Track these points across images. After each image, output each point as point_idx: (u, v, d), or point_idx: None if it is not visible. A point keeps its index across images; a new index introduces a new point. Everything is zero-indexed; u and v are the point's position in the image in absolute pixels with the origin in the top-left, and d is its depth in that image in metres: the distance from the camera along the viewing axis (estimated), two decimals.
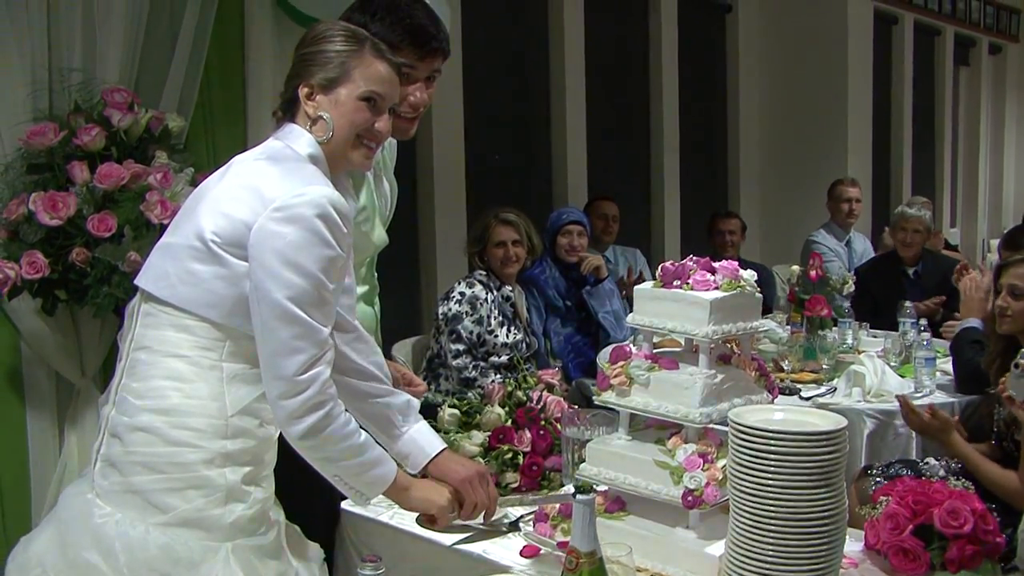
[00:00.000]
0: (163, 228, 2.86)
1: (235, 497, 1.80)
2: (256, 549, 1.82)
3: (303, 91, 1.92)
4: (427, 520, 2.20)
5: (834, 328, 4.29)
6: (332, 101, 1.92)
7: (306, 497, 2.32)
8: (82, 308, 2.97)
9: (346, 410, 1.90)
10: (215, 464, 1.78)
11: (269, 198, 1.76)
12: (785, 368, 4.08)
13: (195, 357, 1.80)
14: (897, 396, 3.41)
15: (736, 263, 2.14)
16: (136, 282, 1.89)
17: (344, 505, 2.48)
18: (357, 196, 2.48)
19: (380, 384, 2.18)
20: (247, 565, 1.78)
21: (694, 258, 2.15)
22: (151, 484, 1.76)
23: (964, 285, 3.91)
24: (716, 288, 2.08)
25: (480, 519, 2.24)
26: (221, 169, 1.95)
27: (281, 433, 1.92)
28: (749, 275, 2.14)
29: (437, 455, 2.20)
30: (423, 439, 2.21)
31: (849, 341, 4.36)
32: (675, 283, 2.11)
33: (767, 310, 4.85)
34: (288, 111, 1.96)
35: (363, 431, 1.93)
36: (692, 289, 2.08)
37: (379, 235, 2.75)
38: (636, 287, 2.21)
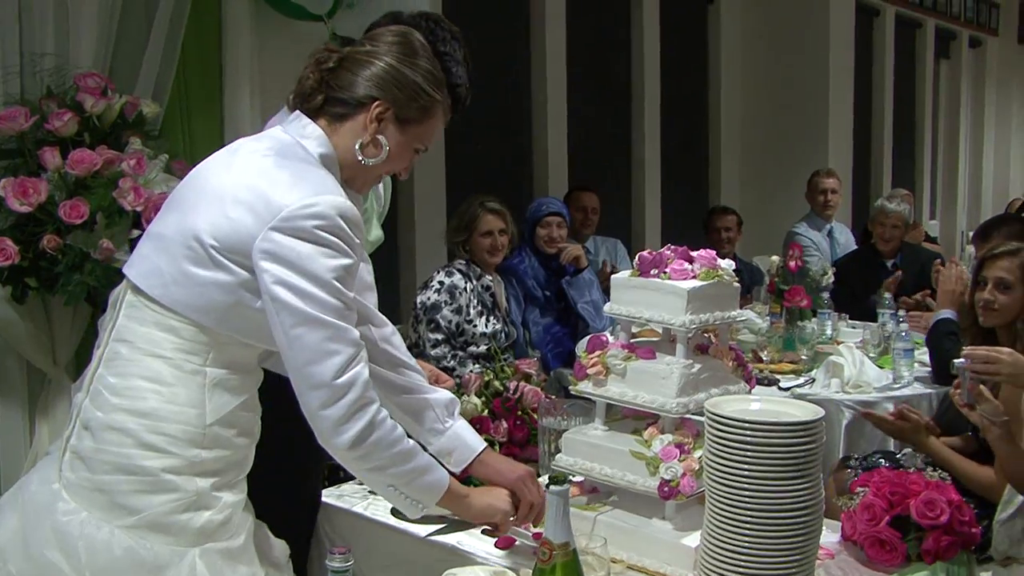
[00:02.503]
0: (136, 215, 2.86)
1: (204, 503, 1.74)
2: (225, 553, 1.76)
3: (378, 109, 1.83)
4: (490, 528, 2.09)
5: (813, 319, 4.29)
6: (396, 137, 1.86)
7: (290, 488, 2.31)
8: (53, 296, 2.92)
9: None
10: (186, 471, 1.72)
11: (277, 206, 1.67)
12: (764, 359, 4.08)
13: (177, 360, 1.73)
14: (862, 413, 3.41)
15: (713, 252, 2.12)
16: (125, 271, 1.82)
17: (324, 497, 2.46)
18: (364, 199, 2.47)
19: (420, 378, 2.16)
20: (215, 570, 1.73)
21: (672, 247, 2.13)
22: (119, 485, 1.70)
23: (943, 277, 3.92)
24: (694, 277, 2.07)
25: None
26: (224, 156, 1.84)
27: (265, 413, 1.88)
28: (727, 264, 2.13)
29: (482, 452, 2.13)
30: (468, 435, 2.15)
31: (828, 332, 4.37)
32: (652, 272, 2.10)
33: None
34: (339, 107, 1.84)
35: (409, 439, 1.85)
36: (670, 278, 2.06)
37: (376, 235, 2.79)
38: (613, 276, 2.19)
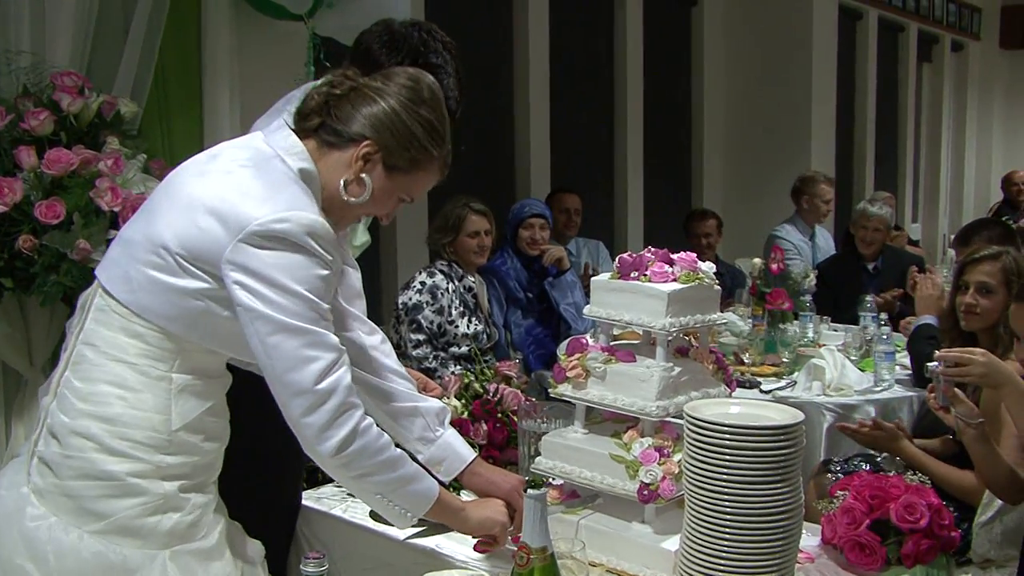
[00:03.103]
0: (114, 215, 2.82)
1: (172, 505, 1.74)
2: (196, 553, 1.76)
3: (367, 149, 1.78)
4: (488, 542, 2.04)
5: (795, 321, 4.29)
6: (381, 181, 1.80)
7: (270, 491, 2.30)
8: (29, 297, 2.89)
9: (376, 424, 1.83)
10: (152, 475, 1.72)
11: (247, 218, 1.65)
12: (746, 361, 4.08)
13: (143, 366, 1.72)
14: (837, 426, 3.40)
15: (693, 255, 2.12)
16: (96, 273, 1.81)
17: (304, 500, 2.44)
18: None
19: (410, 386, 2.16)
20: (186, 571, 1.73)
21: (652, 249, 2.13)
22: (86, 490, 1.69)
23: (920, 284, 3.93)
24: (674, 280, 2.06)
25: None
26: (202, 162, 1.81)
27: (244, 415, 1.87)
28: (707, 267, 2.12)
29: (473, 462, 2.13)
30: (458, 444, 2.14)
31: (810, 335, 4.37)
32: (633, 275, 2.09)
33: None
34: (332, 136, 1.80)
35: (397, 447, 1.84)
36: (650, 281, 2.06)
37: (363, 239, 2.79)
38: (593, 278, 2.18)
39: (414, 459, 2.15)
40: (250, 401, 1.88)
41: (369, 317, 2.27)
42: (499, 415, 2.56)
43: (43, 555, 1.66)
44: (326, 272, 1.71)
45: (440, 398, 2.63)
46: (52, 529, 1.68)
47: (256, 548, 1.98)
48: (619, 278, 2.11)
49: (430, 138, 1.82)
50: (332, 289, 1.76)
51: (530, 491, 1.58)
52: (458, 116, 2.35)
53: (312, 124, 1.82)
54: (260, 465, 2.00)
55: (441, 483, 1.99)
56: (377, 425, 1.79)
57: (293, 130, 1.82)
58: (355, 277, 2.27)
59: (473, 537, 2.06)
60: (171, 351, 1.73)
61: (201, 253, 1.68)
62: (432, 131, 1.83)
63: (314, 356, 1.67)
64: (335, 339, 1.72)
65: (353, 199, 1.80)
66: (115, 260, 1.78)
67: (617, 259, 2.13)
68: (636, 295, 2.06)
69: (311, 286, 1.68)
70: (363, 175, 1.79)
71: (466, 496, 2.16)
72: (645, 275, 2.07)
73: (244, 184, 1.71)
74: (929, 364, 2.52)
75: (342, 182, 1.79)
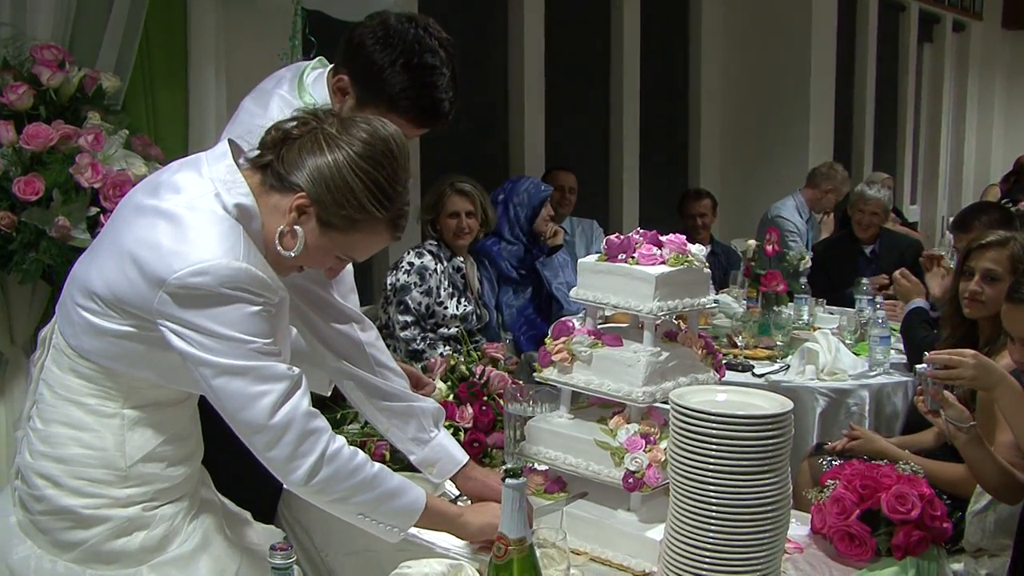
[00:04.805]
0: (94, 192, 2.77)
1: (138, 525, 1.75)
2: (176, 561, 1.77)
3: (300, 201, 1.68)
4: (485, 546, 1.98)
5: (790, 304, 4.24)
6: (316, 236, 1.70)
7: (250, 474, 2.25)
8: (8, 275, 2.85)
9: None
10: (110, 507, 1.74)
11: (166, 272, 1.60)
12: (739, 344, 4.03)
13: (94, 405, 1.73)
14: (818, 445, 3.34)
15: (683, 237, 2.07)
16: (56, 310, 1.80)
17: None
18: None
19: (405, 384, 2.16)
20: None
21: (640, 231, 2.08)
22: (53, 523, 1.73)
23: (929, 273, 3.91)
24: (663, 263, 2.02)
25: None
26: (147, 189, 1.75)
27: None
28: (697, 250, 2.08)
29: (466, 465, 2.12)
30: (452, 446, 2.13)
31: (805, 317, 4.33)
32: (620, 257, 2.04)
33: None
34: (275, 179, 1.70)
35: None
36: (638, 263, 2.01)
37: None
38: (580, 260, 2.14)
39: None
40: None
41: (360, 298, 2.23)
42: (485, 398, 2.53)
43: None
44: (257, 308, 1.65)
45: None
46: (38, 560, 1.74)
47: (268, 534, 2.00)
48: (606, 260, 2.06)
49: (372, 198, 1.69)
50: (274, 319, 1.70)
51: (508, 480, 1.53)
52: (451, 117, 2.27)
53: (263, 160, 1.74)
54: (240, 447, 1.95)
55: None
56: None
57: (249, 156, 1.76)
58: (348, 272, 2.22)
59: (472, 543, 2.03)
60: (120, 389, 1.73)
61: (129, 300, 1.65)
62: (377, 191, 1.70)
63: (263, 391, 1.64)
64: (282, 368, 1.67)
65: (285, 252, 1.71)
66: (64, 299, 1.78)
67: (604, 241, 2.09)
68: (623, 278, 2.01)
69: (242, 326, 1.63)
70: (296, 227, 1.70)
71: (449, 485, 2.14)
72: (633, 257, 2.02)
73: (170, 232, 1.65)
74: (917, 367, 2.45)
75: (277, 232, 1.71)
